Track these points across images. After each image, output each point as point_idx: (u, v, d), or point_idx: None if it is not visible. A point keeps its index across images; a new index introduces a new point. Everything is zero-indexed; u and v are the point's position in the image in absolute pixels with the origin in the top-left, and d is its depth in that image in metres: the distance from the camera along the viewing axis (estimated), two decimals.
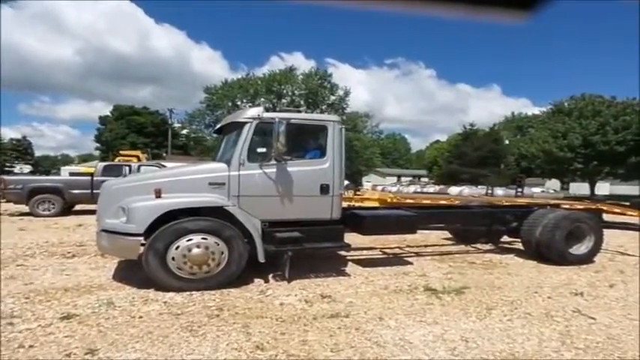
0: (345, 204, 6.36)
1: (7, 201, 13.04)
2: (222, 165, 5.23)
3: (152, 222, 4.59)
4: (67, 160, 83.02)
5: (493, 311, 4.31)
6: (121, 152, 27.20)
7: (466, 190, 29.49)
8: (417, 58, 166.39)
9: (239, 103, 43.02)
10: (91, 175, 12.71)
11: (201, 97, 46.28)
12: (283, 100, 43.65)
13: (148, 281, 4.70)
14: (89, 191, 12.00)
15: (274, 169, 5.18)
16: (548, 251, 6.66)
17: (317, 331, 3.62)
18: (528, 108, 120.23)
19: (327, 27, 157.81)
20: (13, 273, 5.50)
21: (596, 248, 7.00)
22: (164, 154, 45.82)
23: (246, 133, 5.18)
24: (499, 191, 27.83)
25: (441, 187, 36.93)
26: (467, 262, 6.89)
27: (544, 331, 3.78)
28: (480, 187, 33.13)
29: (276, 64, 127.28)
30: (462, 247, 8.22)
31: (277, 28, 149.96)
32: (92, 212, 7.92)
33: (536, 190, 33.77)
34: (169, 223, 4.63)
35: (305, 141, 5.91)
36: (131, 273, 5.30)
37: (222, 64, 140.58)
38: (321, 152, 5.52)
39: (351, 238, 5.93)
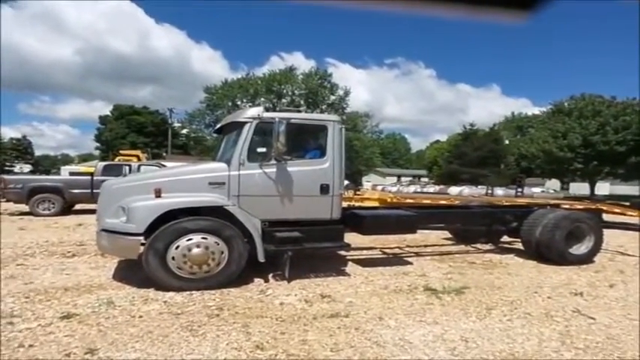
0: (345, 204, 6.35)
1: (7, 200, 13.04)
2: (222, 165, 5.23)
3: (152, 222, 4.59)
4: (67, 160, 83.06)
5: (493, 311, 4.31)
6: (120, 152, 27.20)
7: (466, 190, 29.49)
8: (417, 58, 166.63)
9: (239, 102, 43.04)
10: (91, 174, 12.71)
11: (201, 96, 46.41)
12: (283, 100, 43.66)
13: (147, 281, 4.70)
14: (89, 191, 11.99)
15: (274, 169, 5.18)
16: (548, 251, 6.66)
17: (317, 331, 3.62)
18: (528, 108, 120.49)
19: (327, 27, 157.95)
20: (13, 272, 5.50)
21: (596, 248, 7.00)
22: (164, 154, 45.80)
23: (246, 132, 5.18)
24: (499, 191, 27.82)
25: (441, 187, 36.94)
26: (467, 262, 6.89)
27: (544, 331, 3.79)
28: (479, 187, 33.14)
29: (276, 63, 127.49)
30: (462, 247, 8.22)
31: (277, 28, 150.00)
32: (92, 212, 7.92)
33: (536, 190, 33.76)
34: (169, 223, 4.63)
35: (305, 141, 5.91)
36: (131, 272, 5.30)
37: (222, 64, 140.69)
38: (321, 152, 5.52)
39: (351, 238, 5.93)
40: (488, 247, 8.15)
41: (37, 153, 73.51)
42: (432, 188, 37.48)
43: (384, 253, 7.66)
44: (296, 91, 44.98)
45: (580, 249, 6.88)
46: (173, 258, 4.59)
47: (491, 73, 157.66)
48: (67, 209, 12.73)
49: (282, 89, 44.24)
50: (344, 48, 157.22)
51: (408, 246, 8.26)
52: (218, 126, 6.68)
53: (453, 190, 30.52)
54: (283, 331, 3.59)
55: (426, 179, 62.02)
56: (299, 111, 6.83)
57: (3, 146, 59.30)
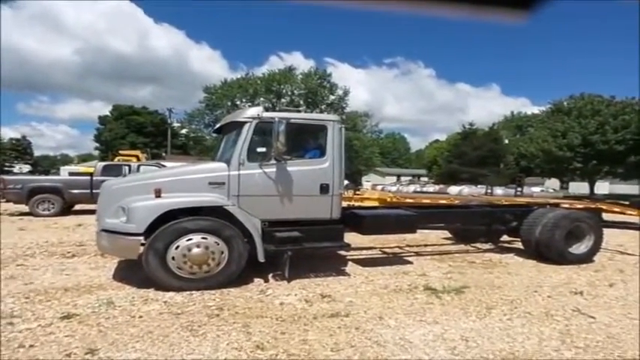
0: (344, 204, 6.36)
1: (7, 201, 13.03)
2: (222, 165, 5.23)
3: (152, 222, 4.59)
4: (66, 160, 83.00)
5: (493, 310, 4.31)
6: (120, 152, 27.19)
7: (466, 190, 29.48)
8: (417, 58, 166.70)
9: (238, 102, 43.03)
10: (91, 174, 12.69)
11: (200, 96, 46.37)
12: (283, 100, 43.67)
13: (147, 281, 4.70)
14: (89, 191, 12.00)
15: (274, 169, 5.18)
16: (547, 250, 6.67)
17: (317, 331, 3.62)
18: (528, 107, 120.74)
19: (326, 27, 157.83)
20: (13, 273, 5.50)
21: (595, 247, 7.00)
22: (163, 154, 45.76)
23: (246, 132, 5.18)
24: (498, 190, 27.83)
25: (441, 186, 36.98)
26: (467, 261, 6.89)
27: (544, 330, 3.79)
28: (479, 186, 33.14)
29: (275, 63, 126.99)
30: (462, 247, 8.22)
31: (277, 28, 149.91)
32: (92, 212, 7.92)
33: (536, 189, 33.78)
34: (169, 223, 4.63)
35: (305, 141, 5.91)
36: (131, 273, 5.30)
37: (221, 64, 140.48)
38: (321, 152, 5.52)
39: (351, 237, 5.93)
40: (488, 246, 8.15)
41: (37, 153, 73.54)
42: (431, 188, 37.54)
43: (384, 252, 7.66)
44: (295, 91, 45.00)
45: (580, 248, 6.89)
46: (173, 258, 4.59)
47: (491, 72, 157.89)
48: (66, 209, 12.72)
49: (281, 89, 44.25)
50: (343, 48, 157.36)
51: (407, 246, 8.27)
52: (217, 126, 6.67)
53: (453, 189, 30.55)
54: (284, 331, 3.59)
55: (425, 179, 62.04)
56: (298, 111, 6.84)
57: (2, 146, 59.27)
